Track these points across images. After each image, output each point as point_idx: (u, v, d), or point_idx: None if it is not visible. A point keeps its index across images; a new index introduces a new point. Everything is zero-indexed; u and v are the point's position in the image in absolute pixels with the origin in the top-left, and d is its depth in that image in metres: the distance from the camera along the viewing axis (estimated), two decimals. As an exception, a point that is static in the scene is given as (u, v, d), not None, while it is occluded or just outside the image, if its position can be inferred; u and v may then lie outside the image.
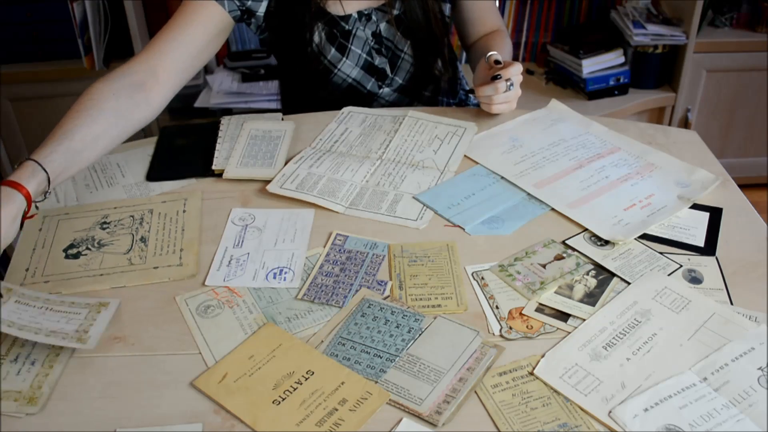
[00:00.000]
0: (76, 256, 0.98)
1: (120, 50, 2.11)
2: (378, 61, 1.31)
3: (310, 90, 1.36)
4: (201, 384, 0.79)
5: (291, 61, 1.34)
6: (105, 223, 1.04)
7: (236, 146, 1.18)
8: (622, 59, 2.17)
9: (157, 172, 1.15)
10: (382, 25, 1.28)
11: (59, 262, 0.97)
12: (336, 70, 1.29)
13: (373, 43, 1.29)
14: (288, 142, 1.20)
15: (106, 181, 1.14)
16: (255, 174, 1.13)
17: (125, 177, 1.15)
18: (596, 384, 0.77)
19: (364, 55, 1.29)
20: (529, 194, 1.08)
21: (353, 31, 1.27)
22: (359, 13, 1.26)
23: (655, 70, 2.19)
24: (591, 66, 2.14)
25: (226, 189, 1.11)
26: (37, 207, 1.01)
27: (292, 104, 1.47)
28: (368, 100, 1.35)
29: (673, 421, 0.73)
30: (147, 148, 1.22)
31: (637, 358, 0.80)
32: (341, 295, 0.90)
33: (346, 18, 1.26)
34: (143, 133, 2.24)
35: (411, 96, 1.39)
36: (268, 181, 1.10)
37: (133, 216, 1.05)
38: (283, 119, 1.26)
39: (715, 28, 2.25)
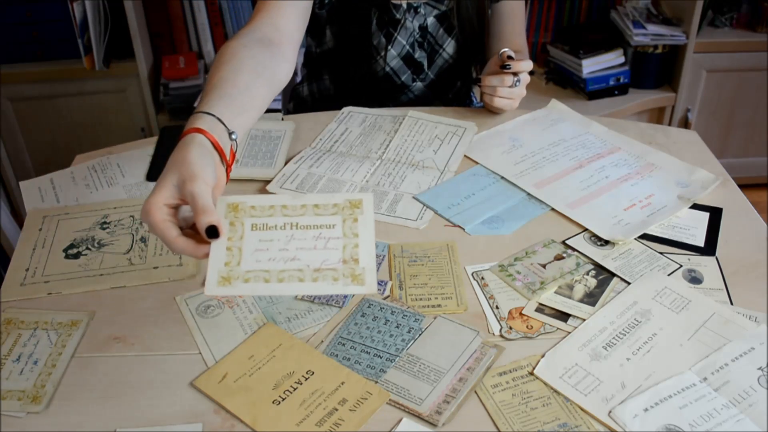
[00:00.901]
0: (76, 256, 0.98)
1: (120, 50, 2.10)
2: (418, 54, 1.33)
3: (348, 74, 1.37)
4: (201, 384, 0.79)
5: (341, 41, 1.35)
6: (105, 223, 1.04)
7: (236, 146, 1.18)
8: (622, 59, 2.17)
9: (157, 172, 1.15)
10: (429, 20, 1.31)
11: (59, 262, 0.97)
12: (378, 58, 1.32)
13: (418, 36, 1.31)
14: (288, 142, 1.20)
15: (106, 181, 1.14)
16: (255, 174, 1.13)
17: (125, 177, 1.15)
18: (596, 384, 0.77)
19: (407, 47, 1.32)
20: (529, 194, 1.08)
21: (402, 21, 1.29)
22: (408, 5, 1.29)
23: (655, 70, 2.19)
24: (591, 66, 2.14)
25: (226, 189, 1.10)
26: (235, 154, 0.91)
27: (327, 88, 1.45)
28: (399, 91, 1.37)
29: (673, 421, 0.73)
30: (147, 148, 1.22)
31: (637, 358, 0.80)
32: (341, 295, 0.90)
33: (397, 6, 1.28)
34: (143, 133, 2.24)
35: (437, 94, 1.40)
36: (268, 181, 1.10)
37: (133, 216, 1.05)
38: (283, 119, 1.26)
39: (715, 28, 2.25)
